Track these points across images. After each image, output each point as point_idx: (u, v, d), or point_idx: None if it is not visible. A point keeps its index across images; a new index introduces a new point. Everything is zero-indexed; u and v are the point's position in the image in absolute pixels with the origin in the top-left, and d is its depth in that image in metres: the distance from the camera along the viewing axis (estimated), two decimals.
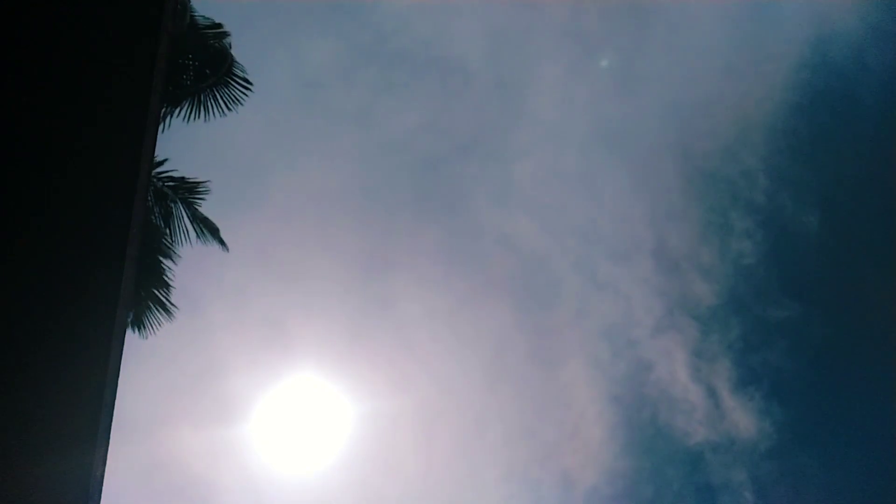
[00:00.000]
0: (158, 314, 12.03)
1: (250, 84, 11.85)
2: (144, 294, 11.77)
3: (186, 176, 12.03)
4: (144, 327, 12.02)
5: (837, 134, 28.26)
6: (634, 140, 28.49)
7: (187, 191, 12.04)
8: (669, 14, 27.45)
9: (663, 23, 27.52)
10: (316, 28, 25.41)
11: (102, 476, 3.49)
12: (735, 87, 28.04)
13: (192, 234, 12.07)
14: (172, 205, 11.99)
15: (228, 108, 11.85)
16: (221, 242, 12.31)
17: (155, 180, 11.66)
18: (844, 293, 27.98)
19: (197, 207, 12.10)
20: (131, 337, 11.82)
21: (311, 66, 25.53)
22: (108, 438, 3.48)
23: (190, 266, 12.26)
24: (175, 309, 12.10)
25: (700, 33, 27.34)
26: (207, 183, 12.08)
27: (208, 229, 12.14)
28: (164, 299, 11.99)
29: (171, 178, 11.96)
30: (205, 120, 11.83)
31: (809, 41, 27.22)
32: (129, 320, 11.86)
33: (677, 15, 27.39)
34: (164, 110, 11.50)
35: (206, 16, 11.50)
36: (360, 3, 25.83)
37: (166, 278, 11.97)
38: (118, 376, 3.47)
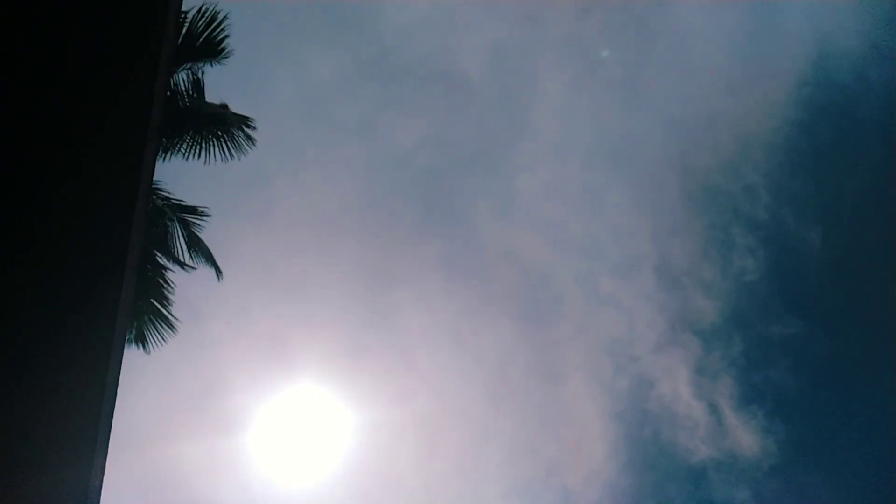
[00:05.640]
0: (161, 328, 11.91)
1: (252, 140, 11.82)
2: (144, 308, 11.67)
3: (179, 199, 11.97)
4: (147, 342, 11.90)
5: (839, 150, 28.31)
6: (637, 155, 28.56)
7: (185, 211, 11.96)
8: (672, 30, 27.61)
9: (666, 38, 27.68)
10: (319, 42, 25.56)
11: (100, 486, 3.48)
12: (737, 103, 28.14)
13: (187, 255, 11.93)
14: (169, 223, 11.90)
15: (231, 155, 11.83)
16: (216, 267, 12.12)
17: (153, 197, 11.60)
18: (847, 309, 27.91)
19: (194, 230, 11.99)
20: (134, 351, 11.76)
21: (314, 80, 25.65)
22: (107, 448, 3.46)
23: (191, 278, 12.18)
24: (177, 322, 11.98)
25: (702, 49, 27.47)
26: (206, 208, 11.99)
27: (202, 253, 12.00)
28: (165, 312, 11.87)
29: (167, 198, 11.90)
30: (205, 162, 11.78)
31: (811, 58, 27.35)
32: (131, 335, 11.79)
33: (680, 31, 27.54)
34: (164, 144, 11.49)
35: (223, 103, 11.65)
36: (364, 16, 26.00)
37: (166, 291, 11.85)
38: (117, 385, 3.46)
